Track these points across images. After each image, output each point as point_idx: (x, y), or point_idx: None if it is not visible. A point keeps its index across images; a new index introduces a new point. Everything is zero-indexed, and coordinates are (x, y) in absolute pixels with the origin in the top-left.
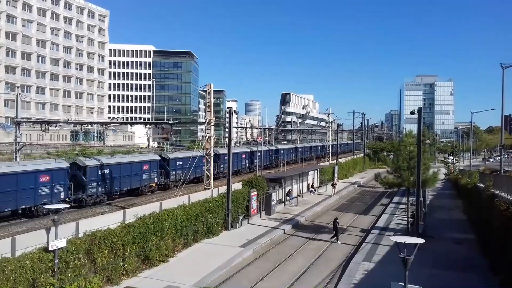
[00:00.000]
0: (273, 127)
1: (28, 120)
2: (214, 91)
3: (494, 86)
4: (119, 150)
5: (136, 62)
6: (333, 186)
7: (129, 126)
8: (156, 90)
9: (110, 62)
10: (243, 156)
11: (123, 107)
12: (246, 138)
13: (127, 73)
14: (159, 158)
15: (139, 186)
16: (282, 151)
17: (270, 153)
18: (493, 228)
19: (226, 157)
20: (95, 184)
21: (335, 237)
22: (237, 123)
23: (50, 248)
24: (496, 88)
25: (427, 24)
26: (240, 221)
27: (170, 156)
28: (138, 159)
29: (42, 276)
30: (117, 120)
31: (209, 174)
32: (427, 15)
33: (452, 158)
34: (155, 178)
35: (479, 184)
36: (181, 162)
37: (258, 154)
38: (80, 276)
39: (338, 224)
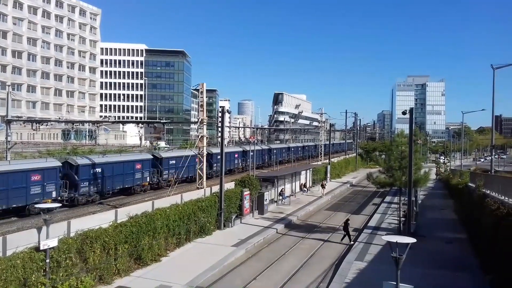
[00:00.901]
0: (266, 126)
1: (19, 118)
2: (206, 90)
3: (485, 86)
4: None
5: (128, 61)
6: (323, 186)
7: (121, 125)
8: (148, 89)
9: (102, 61)
10: (197, 159)
11: (115, 106)
12: (239, 138)
13: (119, 72)
14: (60, 165)
15: (24, 204)
16: (252, 154)
17: (236, 155)
18: (484, 227)
19: (172, 161)
20: None
21: (348, 238)
22: (229, 122)
23: (41, 248)
24: (487, 88)
25: (419, 25)
26: (232, 220)
27: (79, 162)
28: (23, 167)
29: (34, 275)
30: (108, 119)
31: (201, 174)
32: (419, 16)
33: (443, 158)
34: (53, 192)
35: (470, 184)
36: (99, 169)
37: (219, 157)
38: (71, 276)
39: (349, 226)
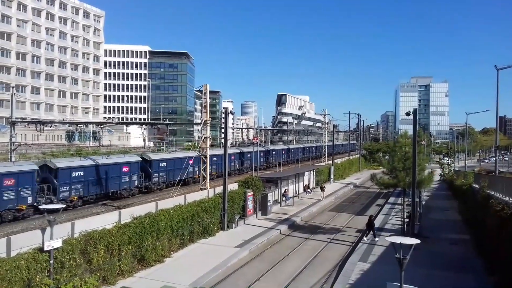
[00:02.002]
0: (269, 127)
1: (23, 120)
2: (210, 91)
3: (489, 87)
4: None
5: (132, 62)
6: (322, 189)
7: (124, 127)
8: (151, 90)
9: (105, 63)
10: (125, 168)
11: (118, 107)
12: (242, 139)
13: (123, 74)
14: None
15: None
16: (214, 158)
17: (191, 161)
18: (488, 228)
19: (78, 173)
20: None
21: (373, 235)
22: (233, 123)
23: (45, 248)
24: (491, 89)
25: (423, 26)
26: (236, 221)
27: None
28: None
29: (38, 276)
30: (112, 120)
31: (205, 175)
32: (423, 17)
33: (447, 159)
34: None
35: (474, 185)
36: None
37: (163, 164)
38: (75, 276)
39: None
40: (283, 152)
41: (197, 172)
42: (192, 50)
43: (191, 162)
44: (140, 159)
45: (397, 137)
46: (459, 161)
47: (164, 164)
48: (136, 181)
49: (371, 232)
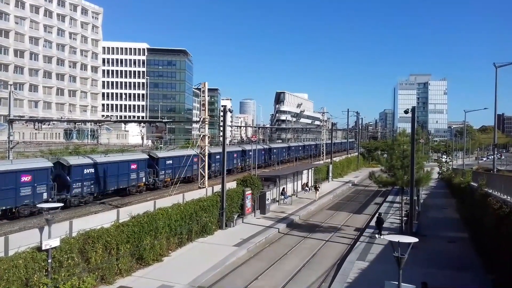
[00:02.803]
0: (268, 125)
1: (21, 118)
2: (208, 89)
3: (487, 85)
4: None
5: (130, 60)
6: (316, 188)
7: (123, 125)
8: (150, 88)
9: (103, 60)
10: (26, 177)
11: (117, 105)
12: (241, 137)
13: (121, 71)
14: None
15: None
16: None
17: (134, 165)
18: (486, 226)
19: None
20: None
21: (379, 232)
22: (231, 121)
23: (43, 248)
24: (490, 87)
25: (421, 24)
26: (234, 220)
27: None
28: None
29: (36, 275)
30: (110, 118)
31: (203, 173)
32: (421, 15)
33: (445, 157)
34: None
35: (472, 183)
36: None
37: (90, 170)
38: (73, 276)
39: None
40: (263, 152)
41: (143, 179)
42: (191, 47)
43: (134, 166)
44: (52, 164)
45: (396, 135)
46: (457, 159)
47: (92, 170)
48: (45, 194)
49: (378, 228)
